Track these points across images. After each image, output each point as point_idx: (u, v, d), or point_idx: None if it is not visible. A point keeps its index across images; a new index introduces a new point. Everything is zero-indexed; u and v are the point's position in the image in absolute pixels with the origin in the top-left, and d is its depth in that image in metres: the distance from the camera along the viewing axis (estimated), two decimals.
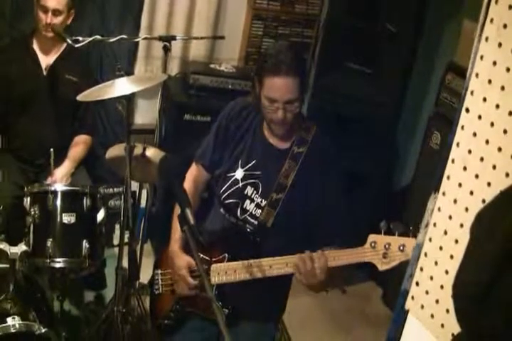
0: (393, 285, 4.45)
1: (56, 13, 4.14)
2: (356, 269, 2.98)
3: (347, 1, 5.10)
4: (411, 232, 2.55)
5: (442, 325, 1.99)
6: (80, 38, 3.90)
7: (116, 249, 4.21)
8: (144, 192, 4.34)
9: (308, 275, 2.81)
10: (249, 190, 3.19)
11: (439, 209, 2.03)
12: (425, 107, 5.10)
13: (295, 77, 2.94)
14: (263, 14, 5.62)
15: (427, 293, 2.07)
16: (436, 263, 2.04)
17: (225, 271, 3.07)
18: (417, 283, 2.11)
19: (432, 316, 2.04)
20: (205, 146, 3.38)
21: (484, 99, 1.87)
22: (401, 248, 2.58)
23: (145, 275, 3.52)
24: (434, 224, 2.05)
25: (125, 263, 3.40)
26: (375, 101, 4.93)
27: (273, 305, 3.33)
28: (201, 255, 3.04)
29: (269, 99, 2.99)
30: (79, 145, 4.42)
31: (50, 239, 3.48)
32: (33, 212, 3.54)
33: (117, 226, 4.65)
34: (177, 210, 3.13)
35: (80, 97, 3.26)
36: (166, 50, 4.24)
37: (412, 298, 2.13)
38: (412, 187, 4.89)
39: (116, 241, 4.75)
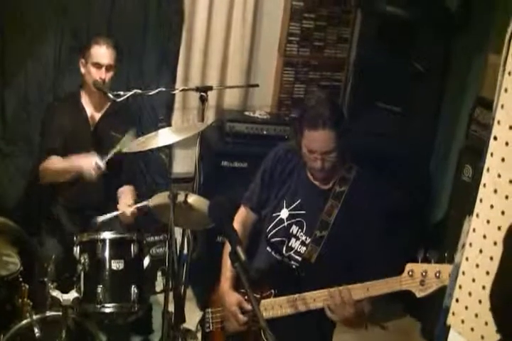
0: (431, 318, 4.48)
1: (108, 68, 4.31)
2: (393, 303, 3.04)
3: (374, 42, 5.25)
4: (446, 259, 2.66)
5: (482, 337, 2.08)
6: (121, 93, 4.04)
7: (159, 296, 4.33)
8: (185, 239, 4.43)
9: (338, 310, 2.93)
10: (294, 229, 3.32)
11: (473, 230, 2.13)
12: (456, 141, 5.16)
13: (333, 129, 3.04)
14: (293, 60, 5.77)
15: (466, 308, 2.15)
16: (473, 280, 2.13)
17: (272, 307, 3.18)
18: (457, 300, 2.19)
19: (472, 329, 2.12)
20: (252, 189, 3.54)
21: (510, 127, 2.00)
22: (437, 274, 2.68)
23: (188, 320, 3.58)
24: (470, 244, 2.14)
25: (170, 308, 3.48)
26: (406, 138, 5.03)
27: None
28: None
29: (308, 149, 3.12)
30: (126, 192, 4.55)
31: (100, 286, 3.59)
32: (83, 260, 3.66)
33: (159, 273, 4.73)
34: (227, 250, 3.23)
35: (124, 149, 3.44)
36: (203, 100, 4.33)
37: (453, 313, 2.20)
38: (447, 220, 4.93)
39: (158, 288, 4.81)
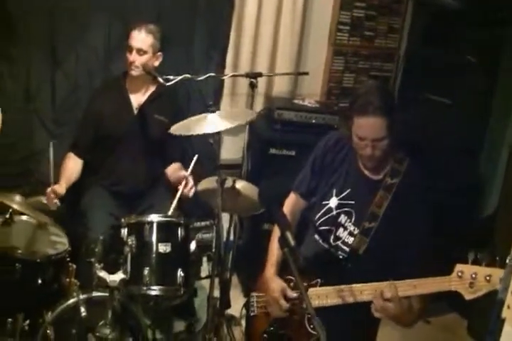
0: (479, 316, 4.44)
1: (140, 52, 4.36)
2: (439, 300, 3.01)
3: (425, 33, 5.21)
4: (498, 263, 2.59)
5: None
6: (171, 77, 4.11)
7: (203, 282, 4.33)
8: (232, 225, 4.43)
9: (383, 305, 2.90)
10: (342, 218, 3.31)
11: None
12: (508, 136, 5.10)
13: (383, 116, 3.03)
14: (343, 50, 5.76)
15: None
16: None
17: (318, 296, 3.17)
18: None
19: None
20: (303, 176, 3.55)
21: None
22: (487, 278, 2.61)
23: (233, 306, 3.60)
24: None
25: (215, 294, 3.51)
26: (456, 131, 4.97)
27: (363, 337, 3.40)
28: None
29: (358, 136, 3.11)
30: (174, 166, 4.63)
31: (147, 268, 3.61)
32: (130, 242, 3.67)
33: (204, 259, 4.74)
34: (275, 235, 3.33)
35: (172, 130, 3.44)
36: (253, 86, 4.37)
37: (508, 307, 2.14)
38: (497, 216, 4.87)
39: (203, 273, 4.82)
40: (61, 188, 4.17)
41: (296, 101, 5.42)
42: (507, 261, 2.17)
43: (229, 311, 3.67)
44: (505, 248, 2.21)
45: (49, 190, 4.07)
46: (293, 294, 3.29)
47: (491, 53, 4.93)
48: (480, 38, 4.91)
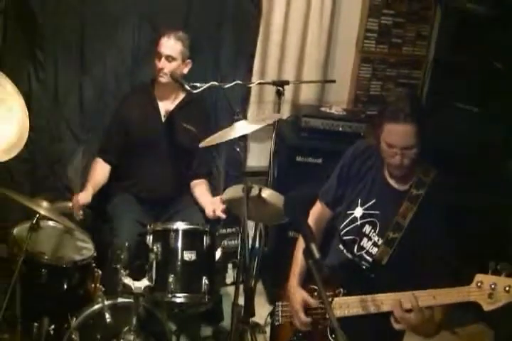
0: (506, 327, 4.39)
1: (169, 59, 4.37)
2: (466, 309, 2.99)
3: (453, 40, 5.18)
4: None
5: None
6: (198, 84, 4.13)
7: (229, 288, 4.36)
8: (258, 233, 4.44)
9: (403, 316, 2.87)
10: (367, 228, 3.30)
11: None
12: None
13: (413, 124, 3.00)
14: (371, 57, 5.74)
15: None
16: None
17: (340, 305, 3.15)
18: None
19: None
20: (329, 185, 3.53)
21: None
22: (507, 288, 2.58)
23: (258, 314, 3.60)
24: None
25: (240, 302, 3.49)
26: (483, 139, 4.91)
27: None
28: None
29: (388, 144, 3.09)
30: (201, 185, 4.61)
31: (172, 275, 3.64)
32: (155, 249, 3.72)
33: (230, 266, 4.75)
34: (300, 245, 3.34)
35: (202, 145, 3.47)
36: (280, 94, 4.37)
37: None
38: None
39: (229, 280, 4.83)
40: (87, 196, 4.20)
41: (323, 108, 5.39)
42: None
43: (254, 318, 3.65)
44: None
45: (74, 199, 4.12)
46: (314, 303, 3.28)
47: None
48: (509, 44, 4.84)
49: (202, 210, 4.34)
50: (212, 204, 4.25)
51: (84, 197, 4.17)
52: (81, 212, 4.11)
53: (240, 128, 3.42)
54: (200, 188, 4.58)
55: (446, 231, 3.13)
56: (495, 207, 5.06)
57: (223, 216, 4.17)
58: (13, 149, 3.61)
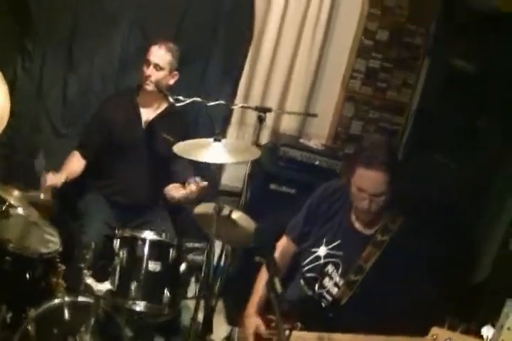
0: None
1: (157, 68, 4.39)
2: None
3: (438, 93, 5.23)
4: (473, 332, 2.60)
5: None
6: (181, 98, 4.11)
7: (189, 302, 4.29)
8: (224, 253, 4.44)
9: None
10: (329, 268, 3.36)
11: None
12: (508, 209, 4.98)
13: (385, 172, 3.08)
14: (355, 97, 5.80)
15: None
16: None
17: (296, 339, 3.11)
18: None
19: None
20: (296, 221, 3.59)
21: None
22: None
23: (217, 332, 3.63)
24: (508, 328, 2.10)
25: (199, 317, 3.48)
26: (456, 194, 4.97)
27: None
28: None
29: (358, 188, 3.16)
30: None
31: (135, 283, 3.61)
32: (121, 255, 3.69)
33: (193, 280, 4.71)
34: (262, 275, 3.42)
35: (176, 149, 3.43)
36: (261, 120, 4.36)
37: None
38: (485, 286, 4.81)
39: (190, 293, 4.80)
40: (57, 178, 4.15)
41: (301, 140, 5.43)
42: (481, 332, 2.17)
43: (211, 336, 3.64)
44: (484, 319, 2.21)
45: (43, 178, 4.07)
46: (265, 332, 3.31)
47: (501, 120, 4.91)
48: (492, 104, 4.94)
49: (173, 219, 4.38)
50: (174, 188, 4.35)
51: (54, 178, 4.13)
52: (48, 193, 4.04)
53: (216, 152, 3.40)
54: (171, 185, 4.59)
55: (407, 279, 3.18)
56: (456, 259, 5.11)
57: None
58: None
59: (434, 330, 2.68)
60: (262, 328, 3.32)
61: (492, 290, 4.50)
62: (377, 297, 3.17)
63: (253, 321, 3.37)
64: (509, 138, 4.95)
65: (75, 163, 4.50)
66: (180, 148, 3.47)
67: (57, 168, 4.30)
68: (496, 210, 5.16)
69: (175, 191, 4.45)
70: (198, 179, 4.21)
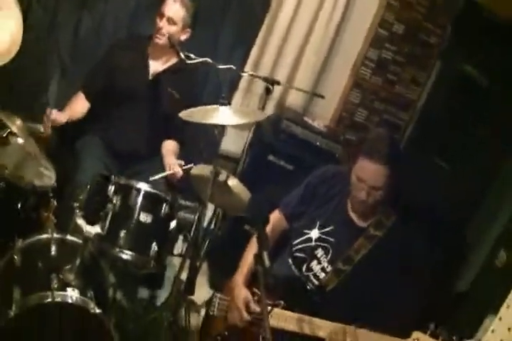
0: None
1: (170, 21, 4.32)
2: None
3: (445, 95, 5.19)
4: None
5: None
6: (193, 56, 4.09)
7: (175, 258, 4.38)
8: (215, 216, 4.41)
9: None
10: (319, 252, 3.36)
11: (492, 331, 2.09)
12: (499, 220, 4.93)
13: (386, 166, 3.09)
14: (364, 84, 5.78)
15: None
16: None
17: (278, 317, 3.15)
18: None
19: None
20: (291, 198, 3.58)
21: None
22: None
23: (197, 293, 3.52)
24: None
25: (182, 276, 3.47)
26: (448, 198, 4.96)
27: None
28: None
29: (358, 177, 3.17)
30: (172, 149, 4.57)
31: (124, 231, 3.58)
32: (114, 201, 3.63)
33: (181, 237, 4.68)
34: (252, 247, 3.43)
35: (182, 115, 3.40)
36: (268, 91, 4.33)
37: None
38: (467, 295, 4.80)
39: (176, 251, 4.78)
40: (61, 115, 4.10)
41: (306, 118, 5.39)
42: None
43: (192, 297, 3.68)
44: (464, 329, 2.20)
45: (47, 112, 3.99)
46: (256, 308, 3.29)
47: (507, 135, 4.88)
48: (496, 127, 4.89)
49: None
50: (171, 166, 4.25)
51: (59, 114, 4.07)
52: (48, 129, 3.99)
53: (222, 115, 3.37)
54: (167, 148, 4.56)
55: (392, 278, 3.21)
56: (442, 265, 5.12)
57: (174, 179, 4.22)
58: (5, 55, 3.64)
59: (416, 334, 2.71)
60: (253, 303, 3.30)
61: (473, 303, 4.50)
62: (363, 290, 3.20)
63: (243, 292, 3.35)
64: (508, 152, 4.99)
65: (79, 104, 4.45)
66: (188, 114, 3.44)
67: (60, 108, 4.23)
68: (487, 223, 5.16)
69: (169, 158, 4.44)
70: (181, 162, 4.23)
